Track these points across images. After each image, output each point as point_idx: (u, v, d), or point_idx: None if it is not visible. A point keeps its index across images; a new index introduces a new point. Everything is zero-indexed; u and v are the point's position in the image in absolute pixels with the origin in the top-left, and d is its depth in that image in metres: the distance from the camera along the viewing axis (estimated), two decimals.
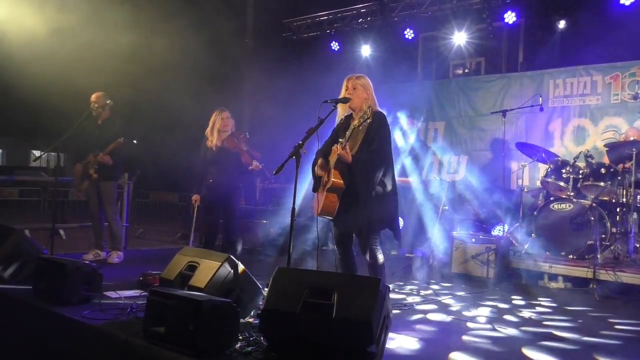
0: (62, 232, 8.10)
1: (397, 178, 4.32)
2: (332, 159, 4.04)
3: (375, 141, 3.97)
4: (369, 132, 3.99)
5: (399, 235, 4.25)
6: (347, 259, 4.20)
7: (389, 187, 4.07)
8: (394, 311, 3.88)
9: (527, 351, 3.56)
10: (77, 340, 3.57)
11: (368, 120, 3.94)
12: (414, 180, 7.84)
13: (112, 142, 6.08)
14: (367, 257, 4.04)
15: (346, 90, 4.14)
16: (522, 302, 5.04)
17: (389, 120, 4.31)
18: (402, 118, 8.79)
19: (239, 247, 5.52)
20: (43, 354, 3.81)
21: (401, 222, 4.30)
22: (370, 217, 3.96)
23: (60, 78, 7.58)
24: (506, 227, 6.65)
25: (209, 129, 5.67)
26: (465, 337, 3.82)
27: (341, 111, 4.23)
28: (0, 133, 22.46)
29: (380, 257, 4.05)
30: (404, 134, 8.63)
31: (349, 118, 4.18)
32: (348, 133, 4.02)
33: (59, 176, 6.00)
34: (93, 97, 6.27)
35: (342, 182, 3.95)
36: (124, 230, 7.18)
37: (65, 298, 3.94)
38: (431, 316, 4.40)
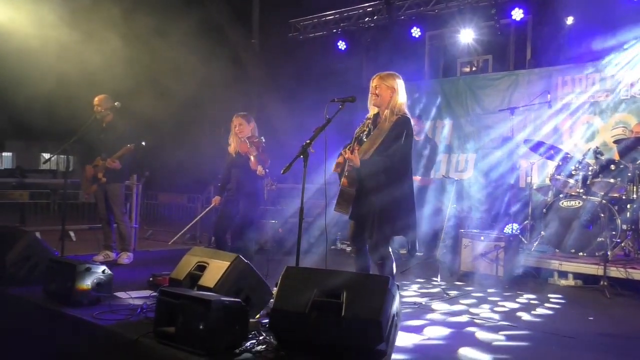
0: (72, 233, 8.15)
1: None
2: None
3: (392, 146, 3.94)
4: (388, 136, 3.97)
5: (415, 247, 4.21)
6: (361, 258, 4.19)
7: (404, 194, 4.00)
8: (403, 309, 3.87)
9: (536, 348, 3.55)
10: (88, 340, 3.59)
11: (389, 124, 3.94)
12: (421, 178, 7.82)
13: (117, 145, 6.11)
14: (376, 259, 4.02)
15: (370, 90, 4.11)
16: (532, 300, 5.01)
17: None
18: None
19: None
20: (54, 355, 3.83)
21: None
22: (380, 221, 3.93)
23: (69, 81, 7.63)
24: (515, 225, 6.62)
25: (230, 134, 5.70)
26: (474, 335, 3.81)
27: (372, 110, 4.18)
28: (11, 136, 22.65)
29: (389, 260, 4.02)
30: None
31: (377, 117, 4.14)
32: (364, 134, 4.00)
33: (68, 178, 6.04)
34: (96, 100, 6.29)
35: (352, 189, 3.96)
36: (134, 231, 7.21)
37: (76, 299, 3.96)
38: (440, 314, 4.38)
